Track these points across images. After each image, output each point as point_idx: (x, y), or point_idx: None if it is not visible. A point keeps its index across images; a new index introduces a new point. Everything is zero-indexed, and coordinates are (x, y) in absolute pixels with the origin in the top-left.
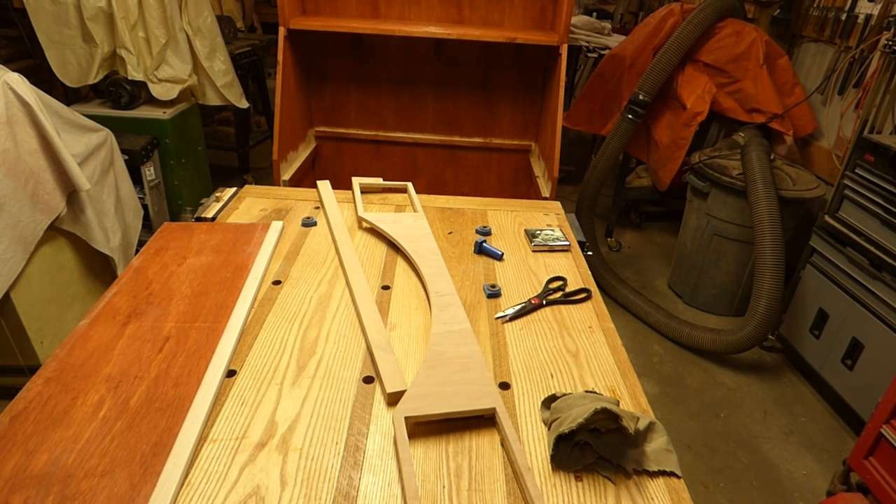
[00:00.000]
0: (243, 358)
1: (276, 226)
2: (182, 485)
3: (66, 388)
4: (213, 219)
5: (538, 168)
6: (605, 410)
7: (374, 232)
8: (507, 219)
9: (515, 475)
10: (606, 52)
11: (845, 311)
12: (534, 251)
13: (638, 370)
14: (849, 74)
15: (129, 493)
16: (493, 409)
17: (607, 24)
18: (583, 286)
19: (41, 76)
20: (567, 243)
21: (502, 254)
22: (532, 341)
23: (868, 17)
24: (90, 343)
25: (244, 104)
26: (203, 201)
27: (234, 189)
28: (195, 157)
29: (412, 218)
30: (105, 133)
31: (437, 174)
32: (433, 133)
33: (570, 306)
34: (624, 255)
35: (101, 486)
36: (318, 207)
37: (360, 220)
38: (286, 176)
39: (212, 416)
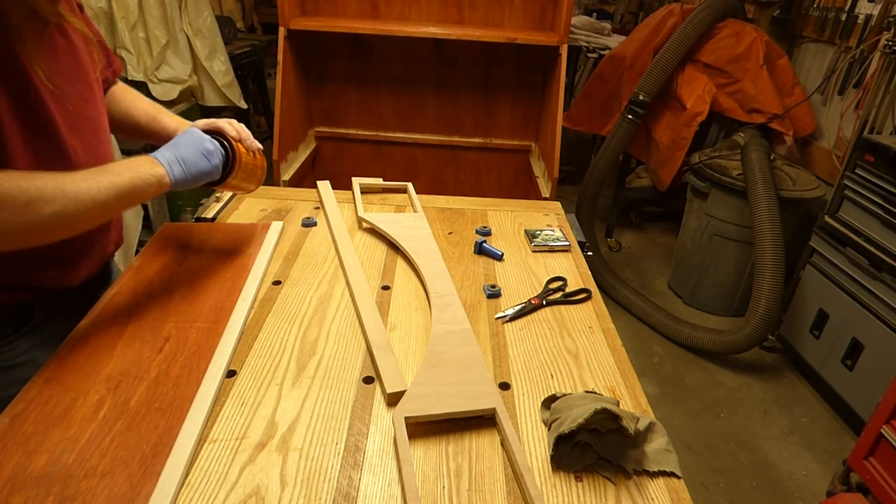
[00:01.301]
0: (243, 358)
1: (276, 226)
2: (182, 485)
3: (66, 388)
4: (213, 219)
5: (538, 168)
6: (605, 410)
7: (374, 232)
8: (507, 219)
9: (515, 475)
10: (606, 52)
11: (845, 311)
12: (534, 251)
13: (638, 370)
14: (849, 75)
15: (129, 494)
16: (493, 409)
17: (607, 25)
18: (583, 286)
19: None
20: (567, 243)
21: (502, 254)
22: (532, 341)
23: (868, 17)
24: (90, 343)
25: (243, 105)
26: (203, 201)
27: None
28: None
29: (412, 218)
30: None
31: (437, 174)
32: (433, 133)
33: (570, 306)
34: (624, 256)
35: (101, 486)
36: (318, 208)
37: (360, 220)
38: (286, 176)
39: (212, 417)
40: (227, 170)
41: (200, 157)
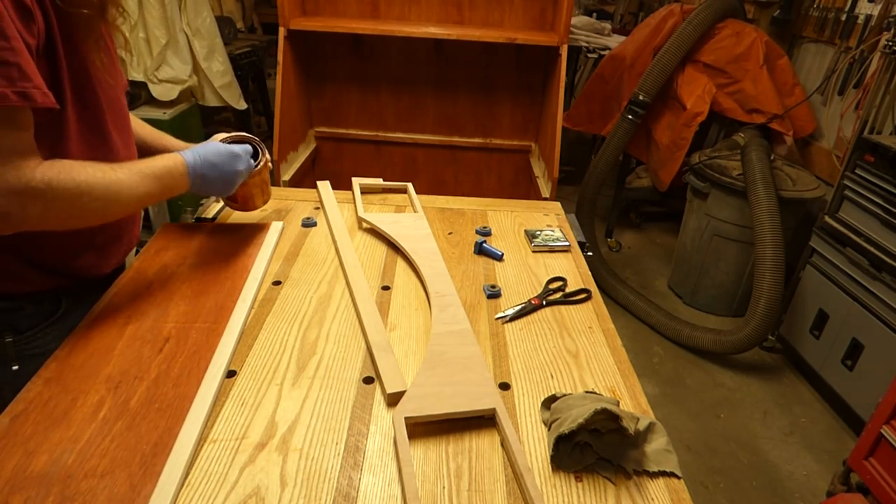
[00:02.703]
0: (243, 358)
1: (276, 226)
2: (182, 485)
3: (66, 388)
4: (213, 219)
5: (538, 168)
6: (605, 411)
7: (374, 232)
8: (507, 219)
9: (515, 476)
10: (606, 52)
11: (845, 311)
12: (534, 251)
13: (638, 370)
14: (849, 75)
15: (129, 494)
16: (493, 409)
17: (607, 25)
18: (583, 286)
19: None
20: (567, 244)
21: (502, 254)
22: (532, 342)
23: (868, 17)
24: (90, 343)
25: (242, 105)
26: (203, 202)
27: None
28: None
29: (412, 218)
30: None
31: (437, 174)
32: (433, 133)
33: (570, 307)
34: (624, 256)
35: (101, 486)
36: (318, 208)
37: (360, 220)
38: (286, 176)
39: (212, 417)
40: (255, 163)
41: (223, 184)
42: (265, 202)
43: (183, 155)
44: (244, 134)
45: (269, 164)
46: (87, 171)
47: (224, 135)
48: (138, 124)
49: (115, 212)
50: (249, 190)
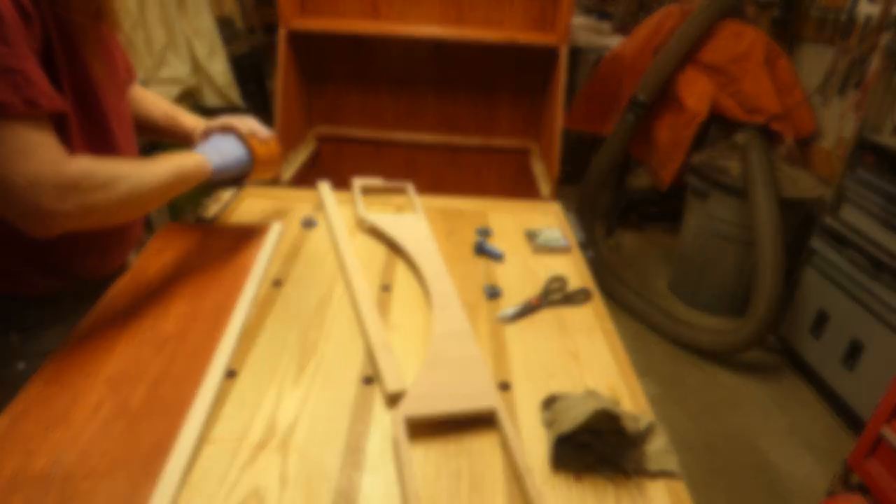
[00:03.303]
0: (243, 358)
1: (276, 226)
2: (182, 485)
3: (66, 388)
4: (214, 219)
5: (538, 168)
6: (604, 411)
7: (375, 232)
8: (508, 219)
9: (515, 476)
10: (606, 52)
11: (845, 311)
12: (534, 252)
13: (638, 371)
14: (849, 75)
15: (129, 494)
16: (494, 409)
17: (607, 25)
18: (583, 287)
19: None
20: (567, 244)
21: (502, 254)
22: (532, 342)
23: (868, 17)
24: (90, 343)
25: (241, 105)
26: (203, 202)
27: (234, 190)
28: None
29: (412, 218)
30: None
31: (437, 175)
32: (433, 133)
33: (571, 307)
34: (624, 256)
35: (101, 486)
36: (318, 208)
37: (360, 220)
38: (286, 177)
39: (212, 417)
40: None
41: (233, 146)
42: (279, 167)
43: (201, 153)
44: (230, 123)
45: (261, 145)
46: (107, 159)
47: (218, 122)
48: (152, 104)
49: (145, 197)
50: (259, 177)
